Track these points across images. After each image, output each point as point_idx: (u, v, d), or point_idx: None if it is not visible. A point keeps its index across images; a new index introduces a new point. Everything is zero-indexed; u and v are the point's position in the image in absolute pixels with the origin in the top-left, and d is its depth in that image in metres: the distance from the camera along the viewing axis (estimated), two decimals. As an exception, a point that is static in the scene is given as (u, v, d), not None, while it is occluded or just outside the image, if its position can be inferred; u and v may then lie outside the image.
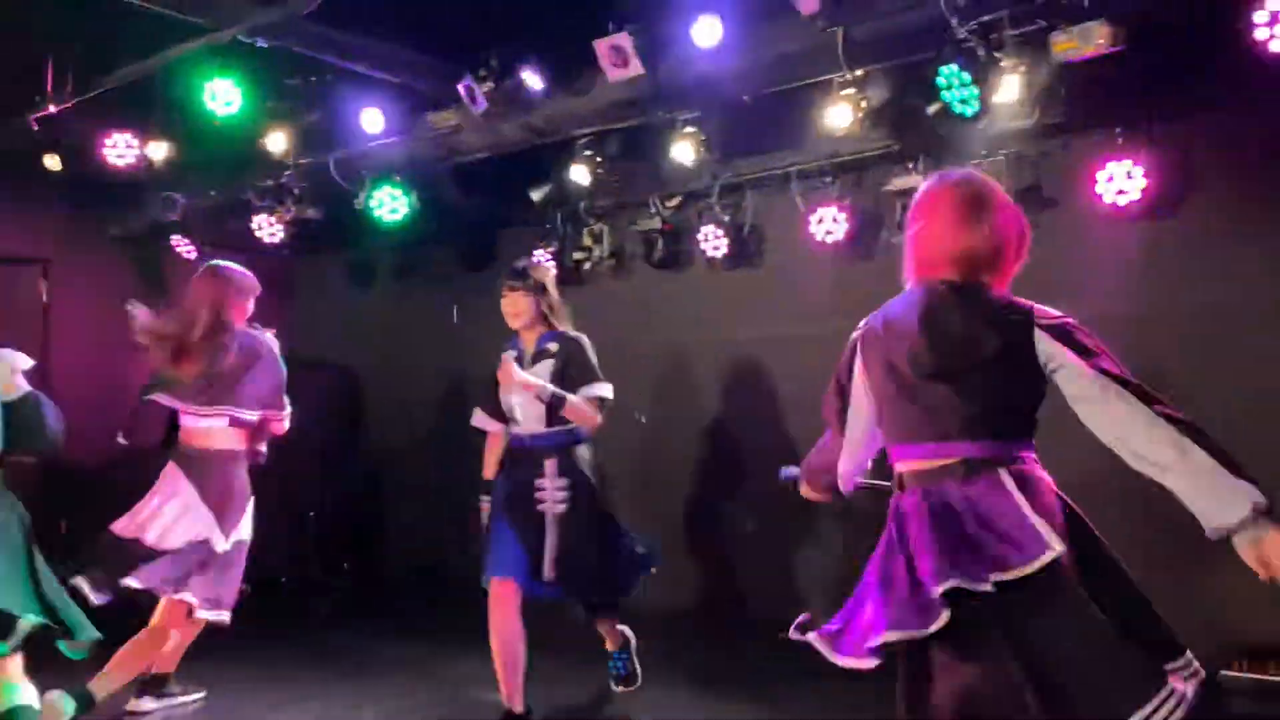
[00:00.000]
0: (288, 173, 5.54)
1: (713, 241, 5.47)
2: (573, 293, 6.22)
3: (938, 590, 1.92)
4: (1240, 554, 1.85)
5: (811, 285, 5.33)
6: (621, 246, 6.09)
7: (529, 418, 3.81)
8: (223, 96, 4.87)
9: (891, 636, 1.97)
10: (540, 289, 3.92)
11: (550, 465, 3.75)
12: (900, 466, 2.20)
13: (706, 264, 5.65)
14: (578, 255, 6.15)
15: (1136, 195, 4.24)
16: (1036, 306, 2.14)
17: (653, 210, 5.78)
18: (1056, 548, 1.91)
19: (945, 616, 1.92)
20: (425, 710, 4.05)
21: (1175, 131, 4.27)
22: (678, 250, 5.84)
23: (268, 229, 5.91)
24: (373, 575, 7.06)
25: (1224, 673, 4.09)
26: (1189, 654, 2.01)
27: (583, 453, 3.88)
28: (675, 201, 5.80)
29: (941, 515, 2.02)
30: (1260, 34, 3.47)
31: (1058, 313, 2.14)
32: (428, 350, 7.11)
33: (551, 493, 3.73)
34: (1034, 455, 2.14)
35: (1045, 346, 2.06)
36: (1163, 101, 4.24)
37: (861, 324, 2.37)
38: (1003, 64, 3.73)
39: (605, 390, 3.84)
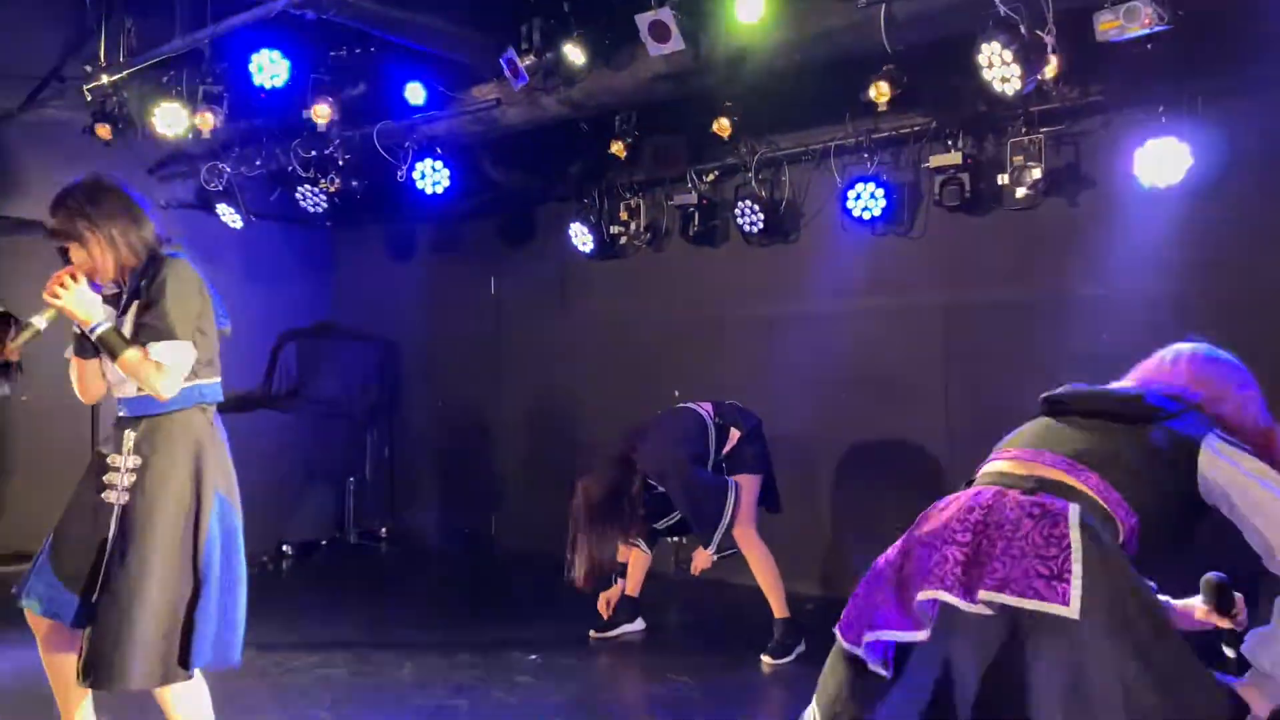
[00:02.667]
0: (332, 144, 5.63)
1: (749, 216, 5.50)
2: (609, 266, 6.34)
3: (918, 597, 1.87)
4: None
5: (847, 261, 5.36)
6: (658, 221, 6.14)
7: None
8: (270, 69, 4.96)
9: (878, 636, 1.94)
10: None
11: None
12: (986, 465, 2.09)
13: (743, 238, 5.68)
14: (614, 229, 6.21)
15: (1179, 175, 4.22)
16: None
17: (690, 185, 5.82)
18: (1071, 611, 1.73)
19: (926, 633, 1.86)
20: (466, 669, 4.16)
21: (1219, 111, 4.24)
22: (714, 225, 5.88)
23: (311, 199, 6.02)
24: (409, 540, 7.22)
25: None
26: None
27: None
28: (712, 176, 5.83)
29: (978, 518, 1.90)
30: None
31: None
32: (466, 322, 7.22)
33: None
34: (1130, 530, 1.94)
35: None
36: (1207, 81, 4.21)
37: None
38: (1045, 42, 3.72)
39: None
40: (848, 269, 5.38)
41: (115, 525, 2.65)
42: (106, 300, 2.75)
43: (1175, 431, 2.01)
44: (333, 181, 5.92)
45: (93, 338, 2.66)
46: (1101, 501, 1.92)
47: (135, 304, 2.73)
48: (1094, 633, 1.74)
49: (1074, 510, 1.83)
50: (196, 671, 2.70)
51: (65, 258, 2.72)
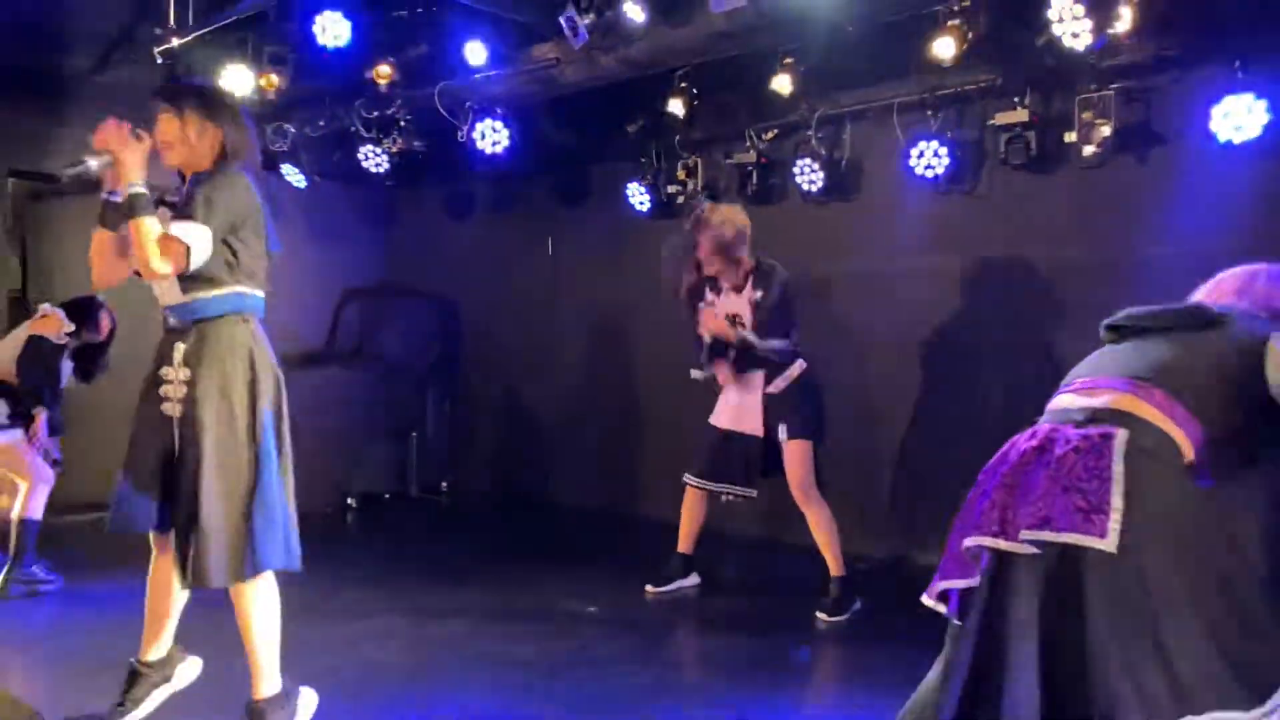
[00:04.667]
0: (394, 104, 5.69)
1: (808, 175, 5.45)
2: (667, 226, 6.33)
3: (964, 544, 1.88)
4: None
5: (909, 220, 5.30)
6: (715, 180, 6.11)
7: None
8: (332, 29, 5.02)
9: (939, 588, 1.96)
10: None
11: None
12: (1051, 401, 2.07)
13: (801, 197, 5.64)
14: (672, 188, 6.21)
15: (1256, 131, 4.09)
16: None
17: (748, 143, 5.78)
18: (1108, 544, 1.71)
19: (977, 578, 1.86)
20: (527, 621, 4.27)
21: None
22: (772, 183, 5.84)
23: (373, 160, 6.10)
24: (468, 494, 7.37)
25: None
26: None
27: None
28: (771, 135, 5.79)
29: (1025, 461, 1.89)
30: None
31: None
32: (522, 281, 7.29)
33: None
34: (1200, 445, 1.81)
35: None
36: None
37: None
38: (1118, -6, 3.62)
39: None
40: (910, 228, 5.32)
41: (177, 436, 2.77)
42: (166, 205, 2.81)
43: (1240, 333, 1.92)
44: (394, 141, 5.99)
45: (126, 193, 2.68)
46: (1165, 418, 1.82)
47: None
48: (1153, 569, 1.69)
49: (1120, 439, 1.78)
50: (270, 575, 2.82)
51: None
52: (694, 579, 4.84)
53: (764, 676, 3.61)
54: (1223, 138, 4.16)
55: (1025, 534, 1.78)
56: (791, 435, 4.40)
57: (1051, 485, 1.79)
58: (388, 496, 7.22)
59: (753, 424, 4.48)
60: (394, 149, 6.00)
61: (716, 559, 5.10)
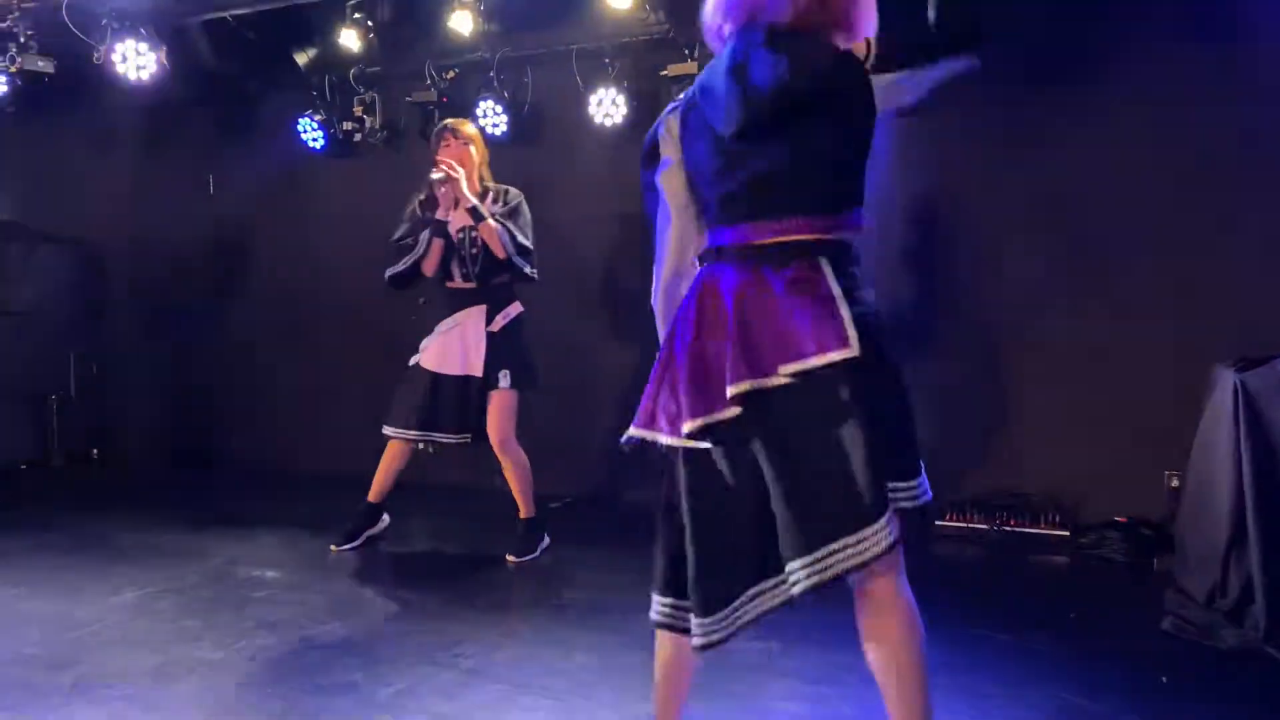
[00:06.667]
0: (10, 16, 4.91)
1: (492, 118, 5.38)
2: (342, 165, 6.02)
3: (730, 391, 1.83)
4: None
5: (591, 166, 5.40)
6: (395, 119, 5.87)
7: None
8: (-78, -80, 4.23)
9: (698, 423, 1.87)
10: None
11: None
12: (717, 244, 2.00)
13: (486, 140, 5.55)
14: (348, 125, 5.89)
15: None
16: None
17: (429, 81, 5.59)
18: (853, 349, 1.79)
19: (734, 410, 1.84)
20: (196, 592, 3.95)
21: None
22: (455, 125, 5.69)
23: (-14, 81, 5.25)
24: (125, 461, 6.68)
25: (938, 522, 4.71)
26: (921, 478, 1.91)
27: None
28: (452, 74, 5.64)
29: (751, 303, 1.87)
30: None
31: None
32: (180, 223, 6.64)
33: None
34: (859, 226, 1.92)
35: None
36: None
37: (678, 98, 2.06)
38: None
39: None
40: (592, 174, 5.42)
41: None
42: None
43: None
44: (13, 60, 5.19)
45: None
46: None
47: None
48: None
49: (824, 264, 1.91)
50: None
51: None
52: (384, 522, 4.66)
53: (453, 622, 3.59)
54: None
55: (787, 368, 1.80)
56: (515, 384, 4.35)
57: (788, 327, 1.82)
58: (24, 467, 6.38)
59: (464, 364, 4.36)
60: (14, 69, 5.20)
61: (407, 507, 4.99)
